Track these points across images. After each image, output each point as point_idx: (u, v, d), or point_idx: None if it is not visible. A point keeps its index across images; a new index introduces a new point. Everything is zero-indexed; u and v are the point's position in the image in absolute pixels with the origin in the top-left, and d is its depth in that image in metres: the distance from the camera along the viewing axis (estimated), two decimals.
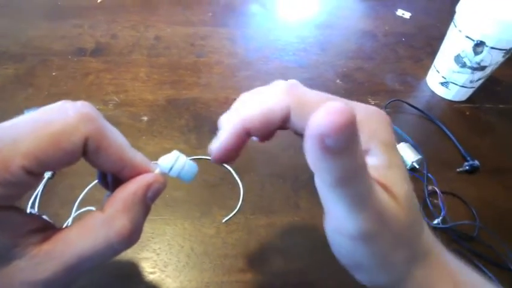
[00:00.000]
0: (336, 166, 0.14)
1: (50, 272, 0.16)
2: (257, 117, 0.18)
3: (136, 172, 0.19)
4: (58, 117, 0.16)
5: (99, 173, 0.23)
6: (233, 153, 0.19)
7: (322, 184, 0.16)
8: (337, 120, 0.12)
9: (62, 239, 0.16)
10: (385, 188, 0.18)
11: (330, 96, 0.18)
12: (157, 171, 0.20)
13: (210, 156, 0.20)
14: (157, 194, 0.19)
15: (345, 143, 0.13)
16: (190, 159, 0.21)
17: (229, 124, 0.18)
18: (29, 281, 0.16)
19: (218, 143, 0.19)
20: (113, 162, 0.18)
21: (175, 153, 0.20)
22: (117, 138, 0.18)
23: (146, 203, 0.19)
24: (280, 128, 0.19)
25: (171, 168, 0.20)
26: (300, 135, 0.20)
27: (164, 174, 0.20)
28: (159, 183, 0.19)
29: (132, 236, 0.18)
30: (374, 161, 0.18)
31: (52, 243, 0.16)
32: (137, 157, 0.19)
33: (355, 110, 0.15)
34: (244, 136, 0.18)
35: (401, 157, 0.45)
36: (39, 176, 0.16)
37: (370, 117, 0.18)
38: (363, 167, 0.15)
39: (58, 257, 0.16)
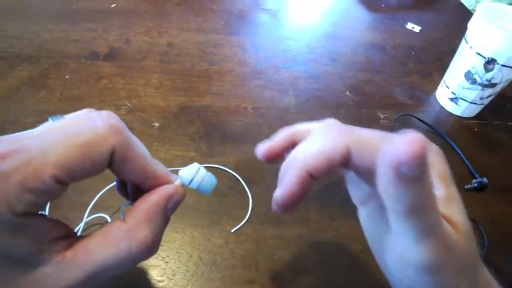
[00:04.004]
0: (410, 195, 0.14)
1: (71, 279, 0.16)
2: (320, 159, 0.17)
3: (158, 183, 0.19)
4: (87, 128, 0.16)
5: (118, 181, 0.23)
6: (298, 200, 0.18)
7: (392, 213, 0.16)
8: (414, 149, 0.13)
9: (84, 248, 0.17)
10: (446, 219, 0.18)
11: (383, 133, 0.18)
12: (177, 182, 0.20)
13: (273, 204, 0.19)
14: (177, 205, 0.20)
15: (419, 172, 0.14)
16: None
17: (293, 169, 0.18)
18: (52, 287, 0.16)
19: (283, 190, 0.18)
20: (137, 173, 0.18)
21: (195, 166, 0.21)
22: (141, 149, 0.18)
23: (166, 214, 0.19)
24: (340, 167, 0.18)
25: (191, 180, 0.20)
26: (358, 173, 0.19)
27: (184, 186, 0.20)
28: (179, 194, 0.20)
29: (153, 247, 0.18)
30: None
31: (75, 251, 0.16)
32: (159, 168, 0.19)
33: None
34: (309, 180, 0.18)
35: None
36: (67, 186, 0.16)
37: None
38: (433, 196, 0.16)
39: (80, 265, 0.16)
